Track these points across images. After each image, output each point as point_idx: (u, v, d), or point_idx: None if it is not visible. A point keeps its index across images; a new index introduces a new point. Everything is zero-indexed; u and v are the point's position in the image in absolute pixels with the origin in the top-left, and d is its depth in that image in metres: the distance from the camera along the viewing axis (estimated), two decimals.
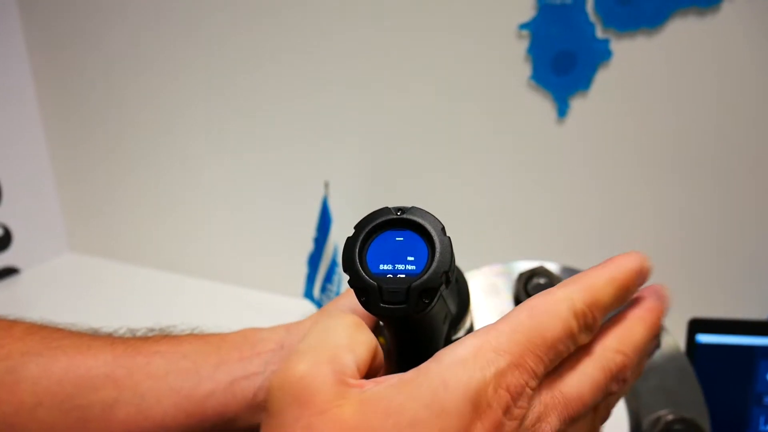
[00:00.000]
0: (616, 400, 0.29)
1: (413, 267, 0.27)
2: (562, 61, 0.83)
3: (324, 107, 1.01)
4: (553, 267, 0.61)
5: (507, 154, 0.91)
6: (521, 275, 0.60)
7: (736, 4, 0.73)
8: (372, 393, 0.23)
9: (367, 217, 0.28)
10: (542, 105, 0.86)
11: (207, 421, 0.33)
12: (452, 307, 0.34)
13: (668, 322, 0.62)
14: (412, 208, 0.28)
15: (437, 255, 0.27)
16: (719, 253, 0.85)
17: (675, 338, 0.58)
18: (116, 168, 1.26)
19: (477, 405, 0.22)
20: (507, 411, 0.23)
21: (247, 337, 0.36)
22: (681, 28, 0.77)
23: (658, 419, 0.55)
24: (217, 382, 0.33)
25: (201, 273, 1.21)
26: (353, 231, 0.28)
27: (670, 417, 0.54)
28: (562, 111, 0.85)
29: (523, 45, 0.84)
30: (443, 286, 0.27)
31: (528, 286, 0.59)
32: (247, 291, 1.16)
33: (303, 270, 1.02)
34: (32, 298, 1.16)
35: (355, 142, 1.01)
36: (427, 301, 0.26)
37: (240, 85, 1.06)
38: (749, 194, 0.81)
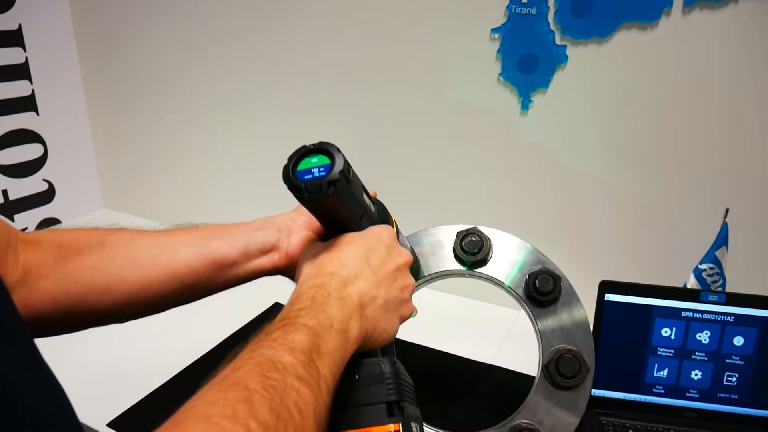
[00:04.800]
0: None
1: (324, 173, 0.44)
2: (527, 63, 0.96)
3: (316, 103, 1.16)
4: (485, 229, 0.76)
5: (478, 140, 1.05)
6: (459, 233, 0.75)
7: (671, 20, 0.86)
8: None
9: (294, 152, 0.45)
10: (509, 99, 1.00)
11: (216, 263, 0.54)
12: (369, 211, 0.51)
13: (583, 283, 0.76)
14: (321, 142, 0.45)
15: (336, 162, 0.44)
16: (637, 228, 0.98)
17: (579, 299, 0.73)
18: (147, 139, 1.43)
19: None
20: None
21: (241, 222, 0.59)
22: (626, 39, 0.90)
23: (557, 350, 0.70)
24: (221, 240, 0.56)
25: None
26: (286, 161, 0.44)
27: (563, 348, 0.69)
28: (525, 105, 0.99)
29: (494, 46, 0.98)
30: (343, 179, 0.43)
31: (463, 242, 0.74)
32: None
33: None
34: None
35: (343, 123, 1.16)
36: (333, 189, 0.43)
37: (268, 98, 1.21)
38: (672, 181, 0.93)
